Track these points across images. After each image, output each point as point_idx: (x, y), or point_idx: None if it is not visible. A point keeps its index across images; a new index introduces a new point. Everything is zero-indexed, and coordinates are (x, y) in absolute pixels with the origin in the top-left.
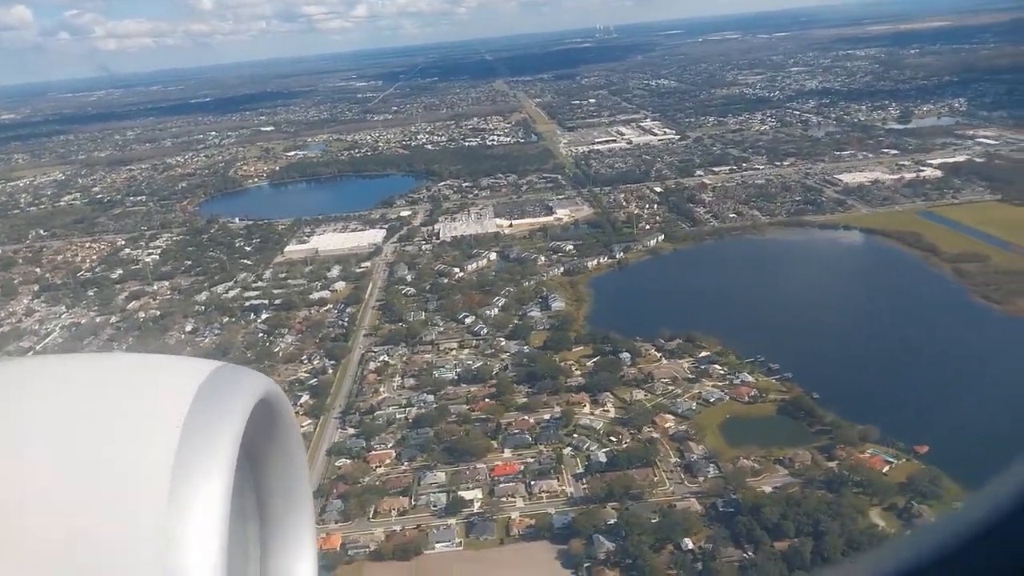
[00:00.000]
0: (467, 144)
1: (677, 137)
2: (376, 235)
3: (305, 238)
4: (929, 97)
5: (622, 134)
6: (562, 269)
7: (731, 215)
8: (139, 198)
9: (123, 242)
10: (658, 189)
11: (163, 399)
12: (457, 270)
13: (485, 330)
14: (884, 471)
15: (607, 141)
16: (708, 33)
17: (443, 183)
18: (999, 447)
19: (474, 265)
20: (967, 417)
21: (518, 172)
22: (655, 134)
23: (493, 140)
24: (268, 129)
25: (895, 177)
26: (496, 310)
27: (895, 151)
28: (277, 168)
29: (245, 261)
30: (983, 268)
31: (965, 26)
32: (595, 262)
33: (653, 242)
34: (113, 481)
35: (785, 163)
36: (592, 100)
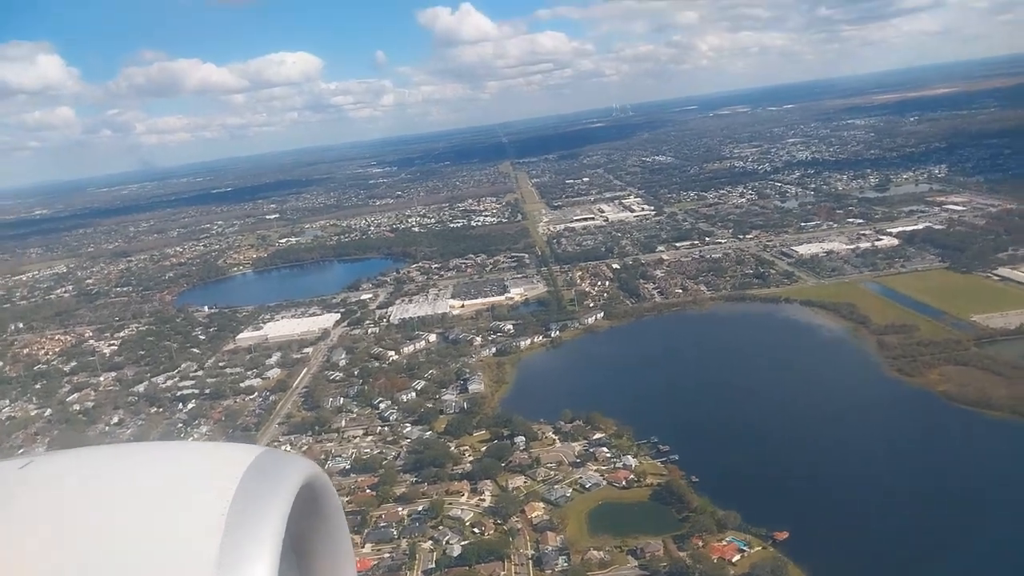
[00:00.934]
0: (452, 226)
1: (653, 213)
2: (329, 319)
3: (260, 325)
4: (912, 164)
5: (602, 211)
6: (494, 350)
7: (677, 290)
8: (125, 289)
9: (91, 334)
10: (616, 266)
11: (208, 486)
12: (392, 353)
13: (395, 415)
14: (734, 560)
15: (585, 219)
16: (720, 108)
17: (415, 265)
18: (863, 532)
19: (411, 347)
20: (840, 500)
21: (490, 252)
22: (633, 211)
23: (479, 221)
24: (273, 217)
25: (851, 247)
26: (413, 394)
27: (861, 220)
28: (264, 255)
29: (194, 350)
30: (906, 340)
31: (972, 91)
32: (529, 341)
33: (592, 319)
34: (159, 569)
35: (749, 236)
36: (586, 179)
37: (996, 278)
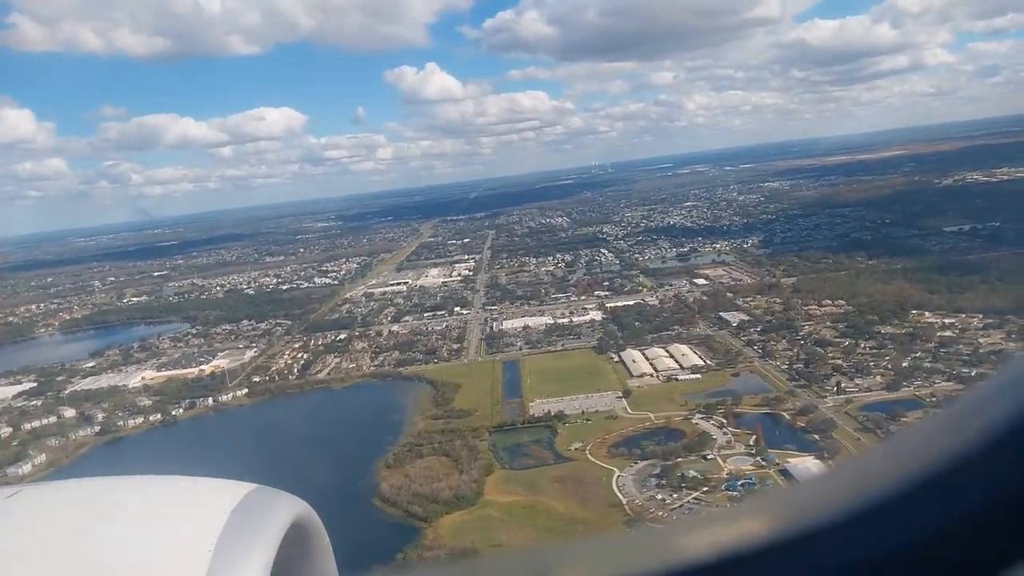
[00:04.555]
0: (282, 287)
1: (459, 280)
2: (12, 391)
3: None
4: (740, 234)
5: (426, 276)
6: (98, 428)
7: (350, 366)
8: None
9: None
10: (343, 336)
11: (196, 522)
12: (9, 430)
13: None
14: None
15: (398, 283)
16: (692, 165)
17: (189, 329)
18: None
19: (36, 424)
20: None
21: (270, 317)
22: (450, 276)
23: (315, 282)
24: (160, 274)
25: (552, 322)
26: None
27: (608, 293)
28: (78, 318)
29: None
30: (439, 427)
31: (909, 155)
32: (141, 420)
33: (229, 396)
34: None
35: (495, 307)
36: (467, 240)
37: (615, 359)
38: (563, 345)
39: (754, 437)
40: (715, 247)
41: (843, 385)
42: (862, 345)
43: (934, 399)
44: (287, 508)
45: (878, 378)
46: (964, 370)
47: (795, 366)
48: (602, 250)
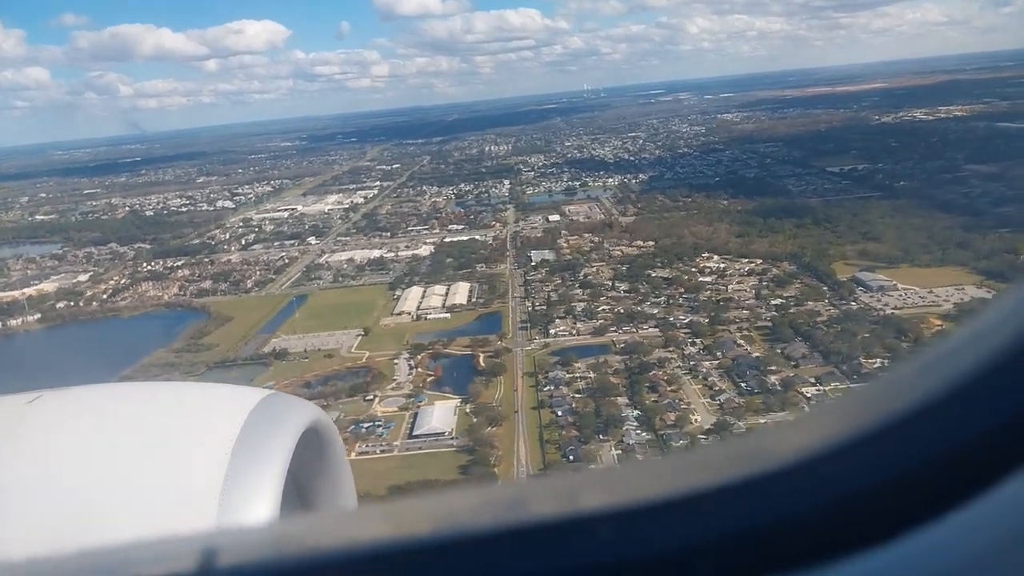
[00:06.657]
0: (183, 210)
1: (345, 208)
2: None
3: None
4: (644, 168)
5: (321, 202)
6: None
7: (156, 294)
8: None
9: None
10: (180, 263)
11: (213, 425)
12: None
13: None
14: None
15: (285, 210)
16: (678, 92)
17: (56, 251)
18: None
19: None
20: None
21: (139, 240)
22: (341, 205)
23: (216, 205)
24: (90, 191)
25: (376, 255)
26: None
27: (461, 226)
28: None
29: None
30: (162, 360)
31: (882, 89)
32: None
33: (19, 321)
34: (162, 504)
35: (352, 237)
36: (396, 166)
37: (396, 297)
38: (364, 280)
39: (430, 379)
40: (607, 181)
41: (556, 329)
42: (617, 288)
43: (622, 345)
44: (301, 413)
45: (599, 322)
46: (681, 317)
47: (537, 308)
48: (504, 181)
